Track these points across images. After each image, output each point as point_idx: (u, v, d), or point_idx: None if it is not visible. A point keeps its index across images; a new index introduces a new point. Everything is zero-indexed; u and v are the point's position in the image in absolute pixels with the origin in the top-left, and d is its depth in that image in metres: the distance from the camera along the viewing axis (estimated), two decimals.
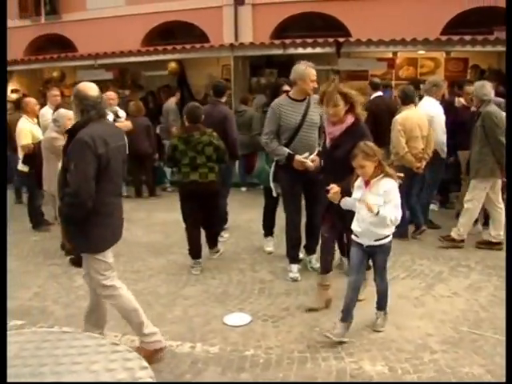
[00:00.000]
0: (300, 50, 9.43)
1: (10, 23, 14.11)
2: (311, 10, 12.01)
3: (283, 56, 10.01)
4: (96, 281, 3.60)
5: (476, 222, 6.43)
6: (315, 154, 4.97)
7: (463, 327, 4.13)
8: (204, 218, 5.64)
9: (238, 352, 3.84)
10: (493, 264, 5.43)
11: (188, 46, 10.20)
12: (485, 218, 6.37)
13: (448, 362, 3.62)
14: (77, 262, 4.96)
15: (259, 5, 12.53)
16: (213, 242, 5.90)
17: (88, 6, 14.07)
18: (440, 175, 6.86)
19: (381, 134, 6.68)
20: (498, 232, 5.86)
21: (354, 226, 3.94)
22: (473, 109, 6.34)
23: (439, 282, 5.07)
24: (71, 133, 3.49)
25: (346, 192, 3.95)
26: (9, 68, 11.51)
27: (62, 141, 5.12)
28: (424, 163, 6.28)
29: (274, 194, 5.45)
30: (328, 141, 4.48)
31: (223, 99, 6.52)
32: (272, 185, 5.39)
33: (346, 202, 3.96)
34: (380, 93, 7.79)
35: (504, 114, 5.66)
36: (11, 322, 4.32)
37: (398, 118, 6.28)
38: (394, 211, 3.76)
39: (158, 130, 10.26)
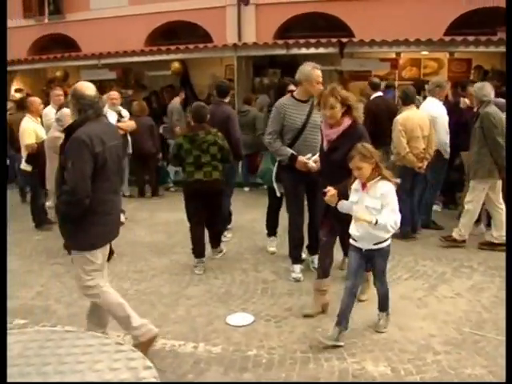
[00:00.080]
0: (303, 51, 9.44)
1: (14, 23, 14.18)
2: (314, 10, 11.99)
3: (286, 56, 10.02)
4: (82, 281, 3.64)
5: (479, 222, 6.44)
6: (318, 154, 4.97)
7: (466, 328, 4.12)
8: (208, 217, 5.65)
9: (240, 352, 3.84)
10: (495, 265, 5.42)
11: (191, 46, 10.21)
12: (488, 218, 6.36)
13: (451, 363, 3.62)
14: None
15: (262, 5, 12.52)
16: (216, 242, 5.91)
17: (91, 6, 14.08)
18: (442, 175, 6.86)
19: (380, 134, 6.72)
20: (500, 233, 5.85)
21: (352, 230, 3.88)
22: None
23: (442, 283, 5.07)
24: (69, 132, 3.53)
25: (344, 195, 3.90)
26: (12, 67, 11.58)
27: None
28: (426, 163, 6.29)
29: (278, 194, 5.45)
30: (325, 143, 4.43)
31: (227, 99, 6.52)
32: (275, 185, 5.39)
33: (342, 205, 3.89)
34: (380, 93, 7.80)
35: (503, 115, 5.66)
36: (14, 321, 4.34)
37: (399, 118, 6.30)
38: (392, 215, 3.70)
39: (161, 130, 10.28)
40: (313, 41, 9.36)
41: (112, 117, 7.42)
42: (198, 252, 5.58)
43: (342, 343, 3.85)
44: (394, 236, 6.12)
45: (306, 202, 5.27)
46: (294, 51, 9.56)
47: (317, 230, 5.07)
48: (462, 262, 5.64)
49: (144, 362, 2.36)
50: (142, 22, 13.22)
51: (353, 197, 3.86)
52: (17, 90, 12.12)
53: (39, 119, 7.31)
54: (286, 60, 10.59)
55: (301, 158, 4.90)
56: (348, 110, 4.23)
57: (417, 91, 7.08)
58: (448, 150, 6.60)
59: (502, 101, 6.02)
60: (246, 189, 9.55)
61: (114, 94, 8.04)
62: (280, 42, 10.16)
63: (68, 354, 2.42)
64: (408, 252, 5.92)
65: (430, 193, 6.86)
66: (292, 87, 5.43)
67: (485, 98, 5.84)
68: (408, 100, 6.39)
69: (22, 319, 4.42)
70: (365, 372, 3.54)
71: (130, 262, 5.88)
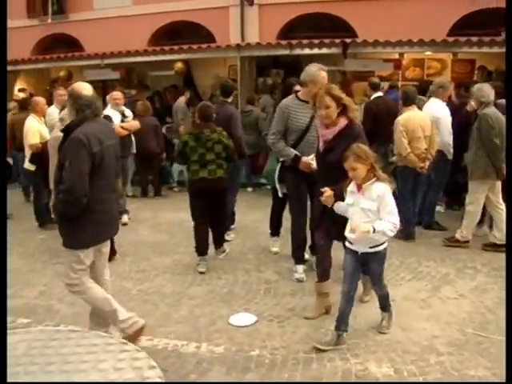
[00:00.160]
0: (306, 51, 9.43)
1: (18, 23, 14.22)
2: (318, 10, 11.99)
3: (290, 56, 10.03)
4: (69, 278, 3.72)
5: (482, 223, 6.43)
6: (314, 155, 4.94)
7: (469, 329, 4.12)
8: (212, 216, 5.67)
9: (243, 352, 3.85)
10: (499, 266, 5.40)
11: (194, 46, 10.21)
12: (491, 220, 6.34)
13: (454, 364, 3.61)
14: None
15: (266, 5, 12.52)
16: (219, 242, 5.91)
17: (95, 6, 14.10)
18: (445, 176, 6.85)
19: (380, 134, 6.73)
20: (502, 234, 5.84)
21: (348, 233, 3.81)
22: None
23: (445, 284, 5.06)
24: (66, 132, 3.59)
25: (340, 197, 3.85)
26: (16, 67, 11.61)
27: None
28: (427, 163, 6.28)
29: (280, 195, 5.45)
30: (321, 144, 4.34)
31: (230, 99, 6.54)
32: (277, 185, 5.39)
33: (339, 207, 3.86)
34: (380, 93, 7.80)
35: (502, 116, 5.65)
36: (17, 320, 4.35)
37: (400, 119, 6.31)
38: (390, 218, 3.62)
39: (164, 130, 10.28)
40: (316, 41, 9.36)
41: (116, 117, 7.43)
42: (201, 250, 5.59)
43: (343, 346, 3.83)
44: (397, 237, 6.21)
45: (308, 203, 5.26)
46: (298, 52, 9.56)
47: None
48: (466, 263, 5.63)
49: (149, 362, 2.36)
50: (145, 22, 13.25)
51: (348, 199, 3.80)
52: (20, 90, 12.14)
53: (43, 119, 7.33)
54: (289, 60, 10.59)
55: (304, 159, 4.88)
56: (344, 110, 4.15)
57: (422, 92, 7.07)
58: (451, 150, 6.59)
59: (504, 102, 6.02)
60: (249, 189, 9.52)
61: (117, 94, 8.03)
62: (283, 42, 10.16)
63: (72, 353, 2.43)
64: (411, 253, 5.91)
65: (433, 193, 6.86)
66: (298, 87, 5.41)
67: (483, 99, 5.83)
68: (409, 101, 6.40)
69: (26, 318, 4.43)
70: (368, 373, 3.53)
71: (132, 261, 5.89)
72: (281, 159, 5.19)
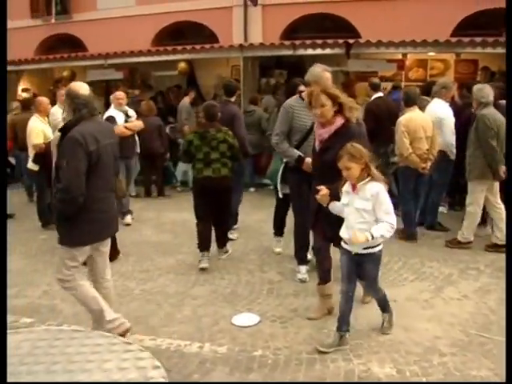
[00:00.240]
0: (310, 51, 9.43)
1: (21, 23, 14.27)
2: (321, 11, 11.99)
3: (293, 57, 10.02)
4: (61, 274, 3.75)
5: (485, 223, 6.42)
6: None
7: (472, 330, 4.12)
8: (215, 215, 5.68)
9: (246, 352, 3.85)
10: (502, 267, 5.37)
11: (198, 47, 10.22)
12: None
13: (456, 364, 3.61)
14: None
15: (269, 5, 12.52)
16: (222, 241, 5.93)
17: (98, 6, 14.13)
18: (448, 176, 6.84)
19: (381, 134, 6.73)
20: (503, 233, 5.84)
21: (343, 233, 3.76)
22: None
23: (448, 285, 5.06)
24: (64, 131, 3.61)
25: (335, 197, 3.82)
26: (19, 67, 11.64)
27: None
28: (429, 164, 6.28)
29: (280, 195, 5.46)
30: (317, 143, 4.29)
31: (233, 98, 6.55)
32: (279, 186, 5.39)
33: (334, 207, 3.84)
34: (380, 93, 7.80)
35: (502, 117, 5.64)
36: (21, 320, 4.37)
37: (402, 119, 6.33)
38: (386, 218, 3.58)
39: (167, 130, 10.29)
40: (319, 41, 9.35)
41: (119, 117, 7.44)
42: (204, 246, 5.61)
43: (346, 347, 3.83)
44: (399, 238, 6.21)
45: None
46: (301, 52, 9.55)
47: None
48: (469, 263, 5.63)
49: (152, 362, 2.36)
50: (148, 22, 13.26)
51: (344, 199, 3.77)
52: (24, 90, 12.16)
53: (47, 119, 7.35)
54: (292, 61, 10.59)
55: (308, 160, 4.88)
56: (340, 108, 4.10)
57: (426, 93, 7.06)
58: (454, 151, 6.58)
59: (504, 103, 6.02)
60: (252, 189, 9.52)
61: (120, 94, 8.04)
62: (286, 42, 10.16)
63: (77, 353, 2.44)
64: (414, 253, 5.91)
65: (435, 194, 6.85)
66: (302, 88, 5.40)
67: (483, 99, 5.83)
68: (410, 101, 6.42)
69: (29, 318, 4.44)
70: (370, 373, 3.54)
71: (135, 261, 5.90)
72: (285, 160, 5.19)
